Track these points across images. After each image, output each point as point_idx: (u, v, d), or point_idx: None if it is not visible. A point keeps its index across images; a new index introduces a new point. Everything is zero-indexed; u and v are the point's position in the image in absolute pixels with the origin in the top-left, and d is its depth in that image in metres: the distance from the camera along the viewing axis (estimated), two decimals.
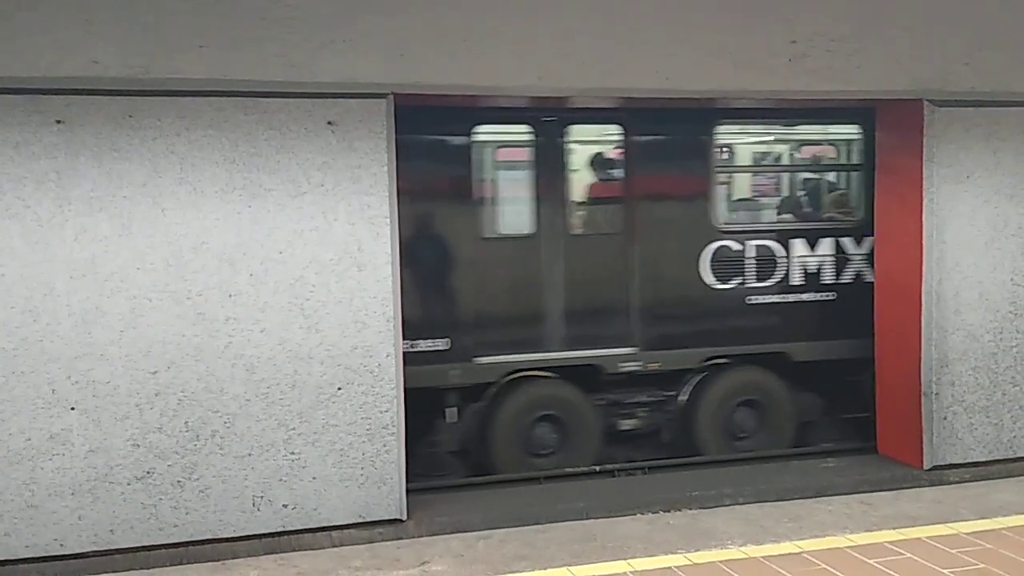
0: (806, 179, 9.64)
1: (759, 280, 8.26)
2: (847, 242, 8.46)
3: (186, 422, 5.91)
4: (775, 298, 8.30)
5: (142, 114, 5.76)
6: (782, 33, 6.74)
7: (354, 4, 5.97)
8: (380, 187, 6.15)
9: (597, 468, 7.87)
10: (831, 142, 9.52)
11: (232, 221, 5.93)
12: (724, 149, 8.72)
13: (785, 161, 9.73)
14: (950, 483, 7.27)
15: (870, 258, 8.36)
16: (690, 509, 6.71)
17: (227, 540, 6.01)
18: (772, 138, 9.78)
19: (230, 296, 5.95)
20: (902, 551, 5.77)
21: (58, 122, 5.64)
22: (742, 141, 9.66)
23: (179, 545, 5.95)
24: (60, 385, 5.71)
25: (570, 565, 5.66)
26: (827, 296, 8.42)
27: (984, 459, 7.48)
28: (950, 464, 7.40)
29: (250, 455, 6.03)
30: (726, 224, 8.32)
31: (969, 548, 5.79)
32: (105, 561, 5.81)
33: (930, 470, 7.36)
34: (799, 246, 8.35)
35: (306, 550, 6.06)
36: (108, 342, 5.77)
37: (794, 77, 6.85)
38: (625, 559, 5.73)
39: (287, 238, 6.03)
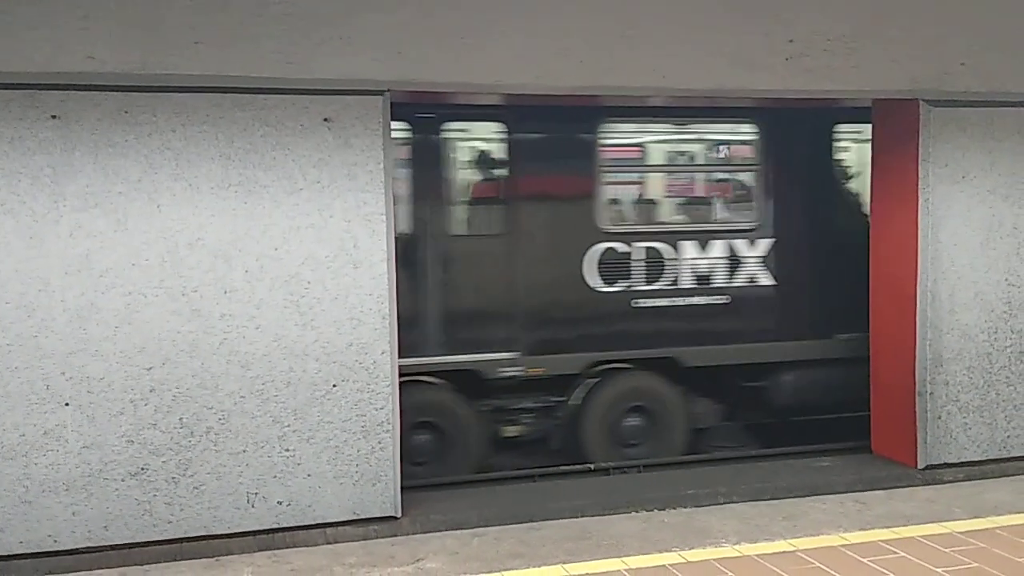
0: (698, 179, 9.26)
1: (647, 283, 8.09)
2: (741, 244, 8.31)
3: (181, 418, 5.91)
4: (663, 302, 8.14)
5: (138, 110, 5.75)
6: (780, 32, 6.74)
7: (351, 1, 5.96)
8: (376, 184, 6.14)
9: (592, 466, 7.87)
10: (724, 142, 9.23)
11: (228, 217, 5.92)
12: (610, 148, 8.34)
13: (676, 161, 9.41)
14: (944, 482, 7.29)
15: (765, 261, 8.27)
16: (685, 507, 6.73)
17: (221, 536, 6.00)
18: (662, 137, 9.43)
19: (225, 292, 5.94)
20: (896, 550, 5.79)
21: (53, 117, 5.63)
22: (629, 141, 9.13)
23: (173, 541, 5.94)
24: (54, 381, 5.71)
25: (565, 563, 5.67)
26: (719, 300, 8.26)
27: (978, 459, 7.49)
28: (944, 463, 7.41)
29: (245, 452, 6.03)
30: (612, 225, 8.11)
31: (962, 547, 5.81)
32: (99, 557, 5.80)
33: (924, 469, 7.37)
34: (689, 248, 8.19)
35: (300, 547, 6.06)
36: (103, 338, 5.76)
37: (791, 76, 6.84)
38: (620, 557, 5.74)
39: (283, 235, 6.02)
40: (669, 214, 8.74)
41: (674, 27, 6.54)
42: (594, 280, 7.98)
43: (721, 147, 9.25)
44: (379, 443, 6.25)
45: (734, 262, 8.28)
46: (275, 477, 6.10)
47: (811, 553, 5.75)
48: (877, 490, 7.07)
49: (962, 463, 7.45)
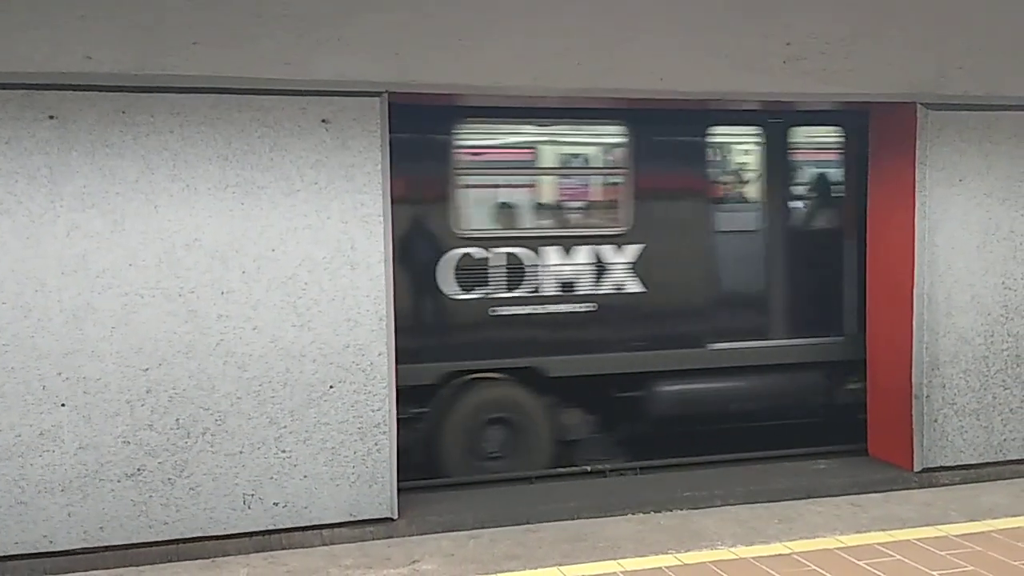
0: (562, 183, 8.68)
1: (507, 290, 7.75)
2: (607, 250, 7.97)
3: (177, 419, 5.90)
4: (524, 309, 7.80)
5: (135, 110, 5.75)
6: (778, 35, 6.74)
7: (349, 1, 5.96)
8: (373, 186, 6.14)
9: (588, 468, 7.86)
10: (591, 144, 8.74)
11: (225, 218, 5.91)
12: (467, 150, 7.90)
13: (538, 164, 8.75)
14: (940, 485, 7.30)
15: (634, 267, 8.01)
16: (681, 510, 6.73)
17: (217, 538, 6.00)
18: (524, 139, 8.77)
19: (222, 294, 5.94)
20: (891, 553, 5.79)
21: (51, 117, 5.62)
22: (488, 142, 8.62)
23: (169, 543, 5.93)
24: (51, 381, 5.70)
25: (560, 565, 5.67)
26: (585, 308, 7.95)
27: (974, 462, 7.50)
28: (940, 466, 7.42)
29: (241, 453, 6.02)
30: (468, 230, 7.74)
31: (958, 550, 5.82)
32: (95, 558, 5.79)
33: (920, 472, 7.38)
34: (552, 254, 7.86)
35: (296, 548, 6.06)
36: (99, 339, 5.75)
37: (789, 79, 6.85)
38: (616, 559, 5.74)
39: (280, 236, 6.01)
40: (531, 219, 8.31)
41: (673, 29, 6.54)
42: (449, 287, 7.68)
43: (587, 149, 8.89)
44: (376, 445, 6.25)
45: (600, 269, 7.96)
46: (271, 478, 6.09)
47: (807, 556, 5.75)
48: (873, 493, 7.08)
49: (958, 466, 7.46)
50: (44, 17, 5.51)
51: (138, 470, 5.86)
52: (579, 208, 8.55)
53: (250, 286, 5.98)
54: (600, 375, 8.09)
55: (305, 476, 6.15)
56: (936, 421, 7.39)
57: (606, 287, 8.00)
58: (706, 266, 8.38)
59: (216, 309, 5.92)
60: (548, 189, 8.61)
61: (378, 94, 6.12)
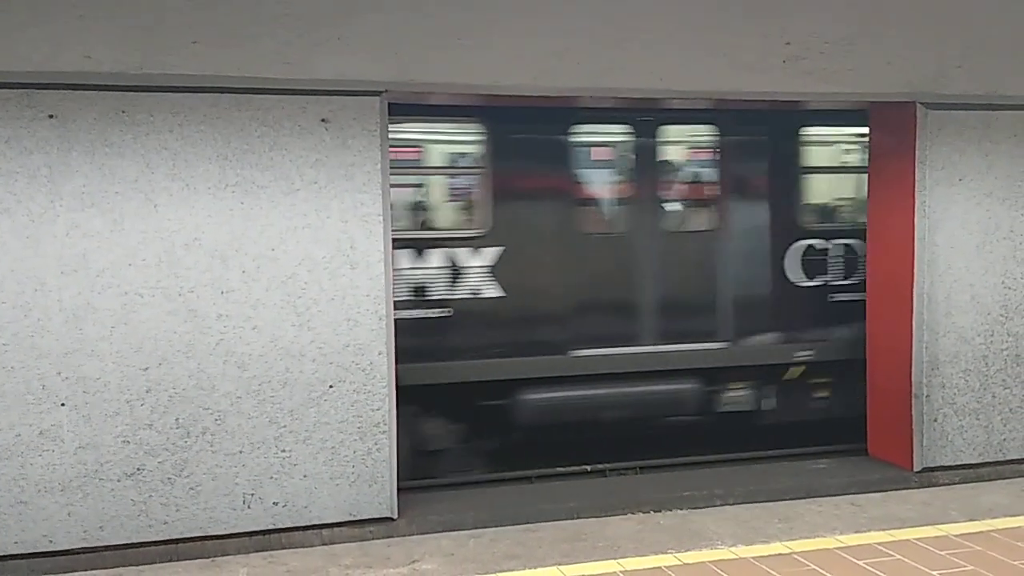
0: (413, 182, 8.33)
1: None
2: (464, 253, 7.69)
3: (177, 419, 5.90)
4: None
5: (135, 110, 5.75)
6: (777, 34, 6.74)
7: (349, 1, 5.95)
8: (373, 185, 6.14)
9: (588, 468, 7.85)
10: (445, 142, 8.44)
11: (224, 218, 5.92)
12: None
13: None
14: (940, 485, 7.31)
15: (493, 271, 7.76)
16: (681, 509, 6.73)
17: (217, 537, 6.00)
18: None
19: (222, 293, 5.94)
20: (891, 552, 5.79)
21: (51, 117, 5.62)
22: None
23: (169, 542, 5.94)
24: (50, 381, 5.70)
25: (560, 564, 5.67)
26: (440, 313, 7.68)
27: (974, 461, 7.50)
28: (940, 466, 7.43)
29: (241, 452, 6.02)
30: None
31: (958, 550, 5.82)
32: (95, 558, 5.79)
33: (920, 472, 7.38)
34: (403, 257, 7.50)
35: (296, 548, 6.06)
36: (99, 338, 5.75)
37: (788, 78, 6.85)
38: (615, 559, 5.74)
39: (280, 235, 6.02)
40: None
41: (672, 29, 6.53)
42: None
43: (442, 148, 8.52)
44: (375, 444, 6.24)
45: (456, 272, 7.68)
46: (271, 478, 6.09)
47: (806, 555, 5.75)
48: (873, 492, 7.08)
49: (958, 466, 7.46)
50: (43, 17, 5.50)
51: (138, 469, 5.86)
52: (433, 209, 8.24)
53: (250, 285, 5.98)
54: (458, 383, 7.73)
55: (305, 476, 6.15)
56: (936, 421, 7.39)
57: (462, 291, 7.71)
58: (570, 269, 8.00)
59: (216, 308, 5.92)
60: (399, 189, 8.09)
61: (378, 93, 6.13)
